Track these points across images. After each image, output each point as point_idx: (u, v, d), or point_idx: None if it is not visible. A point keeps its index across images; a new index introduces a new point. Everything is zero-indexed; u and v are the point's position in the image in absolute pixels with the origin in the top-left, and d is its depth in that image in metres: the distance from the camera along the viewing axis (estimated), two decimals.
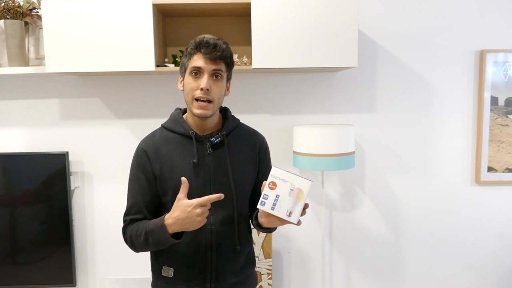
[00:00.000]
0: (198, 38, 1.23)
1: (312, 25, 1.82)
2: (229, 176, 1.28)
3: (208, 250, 1.28)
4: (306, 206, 1.16)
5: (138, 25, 1.80)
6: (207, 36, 1.24)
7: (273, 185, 1.14)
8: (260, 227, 1.29)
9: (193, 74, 1.23)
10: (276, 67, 1.85)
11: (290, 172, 1.15)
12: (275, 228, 1.35)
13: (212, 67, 1.21)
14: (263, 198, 1.15)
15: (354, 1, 1.82)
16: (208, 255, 1.28)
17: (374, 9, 2.17)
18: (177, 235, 1.19)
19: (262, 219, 1.22)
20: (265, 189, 1.15)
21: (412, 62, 2.20)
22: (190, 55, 1.24)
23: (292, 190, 1.14)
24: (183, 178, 1.16)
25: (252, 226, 1.39)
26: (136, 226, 1.26)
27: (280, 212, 1.14)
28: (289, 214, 1.13)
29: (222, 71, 1.24)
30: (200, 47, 1.21)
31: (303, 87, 2.20)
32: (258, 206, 1.15)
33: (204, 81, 1.20)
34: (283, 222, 1.17)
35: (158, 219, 1.20)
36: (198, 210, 1.12)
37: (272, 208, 1.14)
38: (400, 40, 2.19)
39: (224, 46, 1.23)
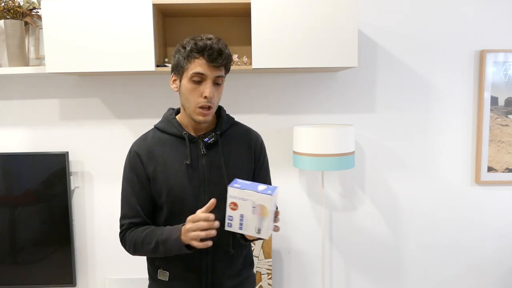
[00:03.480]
0: (200, 41, 1.17)
1: (312, 25, 1.82)
2: (224, 176, 1.26)
3: (204, 254, 1.26)
4: (276, 214, 1.13)
5: (138, 25, 1.80)
6: (209, 41, 1.18)
7: (234, 206, 1.08)
8: (244, 240, 1.26)
9: (195, 79, 1.18)
10: (276, 67, 1.85)
11: (248, 189, 1.07)
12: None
13: (215, 74, 1.19)
14: (228, 219, 1.09)
15: (354, 1, 1.82)
16: (203, 258, 1.27)
17: (374, 9, 2.17)
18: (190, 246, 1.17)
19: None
20: (228, 210, 1.09)
21: (412, 62, 2.20)
22: (191, 58, 1.18)
23: (255, 207, 1.07)
24: (212, 200, 1.13)
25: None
26: (142, 233, 1.24)
27: (248, 231, 1.09)
28: (258, 231, 1.09)
29: (223, 76, 1.22)
30: (203, 52, 1.16)
31: (303, 87, 2.20)
32: (226, 228, 1.10)
33: (208, 89, 1.17)
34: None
35: (171, 228, 1.19)
36: (191, 226, 1.10)
37: (240, 228, 1.09)
38: (400, 40, 2.19)
39: (227, 52, 1.20)
